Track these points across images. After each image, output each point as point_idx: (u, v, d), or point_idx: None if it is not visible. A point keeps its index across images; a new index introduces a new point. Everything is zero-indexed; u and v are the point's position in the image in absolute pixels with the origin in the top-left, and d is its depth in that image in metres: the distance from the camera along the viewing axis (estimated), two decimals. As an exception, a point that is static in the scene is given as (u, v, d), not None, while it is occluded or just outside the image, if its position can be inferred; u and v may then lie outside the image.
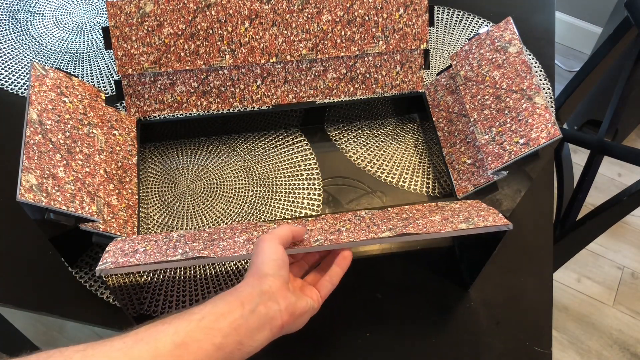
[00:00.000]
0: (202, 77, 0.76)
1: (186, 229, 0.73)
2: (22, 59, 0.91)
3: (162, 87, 0.76)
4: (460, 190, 0.72)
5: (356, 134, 0.84)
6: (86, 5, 1.00)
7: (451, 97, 0.77)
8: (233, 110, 0.80)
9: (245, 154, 0.81)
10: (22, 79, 0.88)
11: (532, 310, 0.69)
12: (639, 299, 1.48)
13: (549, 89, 0.92)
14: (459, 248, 0.72)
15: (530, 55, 0.96)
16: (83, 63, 0.91)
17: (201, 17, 0.73)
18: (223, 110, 0.80)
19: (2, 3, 0.99)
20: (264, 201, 0.76)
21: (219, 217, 0.74)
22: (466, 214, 0.60)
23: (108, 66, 0.91)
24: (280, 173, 0.79)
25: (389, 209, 0.65)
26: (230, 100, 0.78)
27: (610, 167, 1.72)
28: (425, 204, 0.66)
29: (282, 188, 0.77)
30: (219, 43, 0.74)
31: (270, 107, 0.79)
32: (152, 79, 0.75)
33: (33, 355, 0.42)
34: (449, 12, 1.02)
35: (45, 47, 0.93)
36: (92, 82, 0.89)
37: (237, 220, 0.74)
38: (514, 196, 0.78)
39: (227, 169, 0.79)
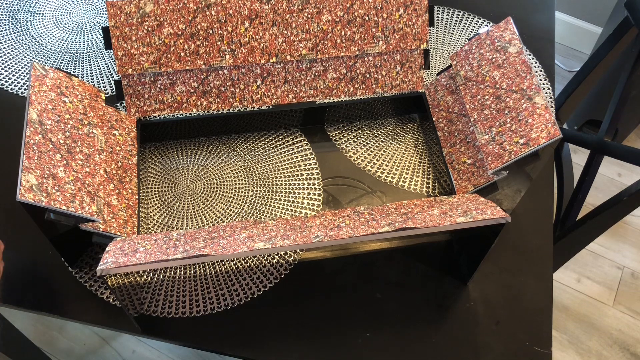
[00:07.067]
0: (202, 77, 0.76)
1: (186, 229, 0.73)
2: (22, 59, 0.91)
3: (162, 87, 0.76)
4: (460, 190, 0.72)
5: (356, 134, 0.84)
6: (86, 5, 1.00)
7: (451, 97, 0.77)
8: (233, 110, 0.80)
9: (245, 154, 0.81)
10: (22, 79, 0.88)
11: (532, 310, 0.69)
12: (639, 299, 1.48)
13: (549, 89, 0.92)
14: (457, 242, 0.72)
15: (530, 55, 0.96)
16: (83, 63, 0.91)
17: (201, 17, 0.73)
18: (223, 110, 0.80)
19: (2, 3, 0.99)
20: (264, 201, 0.76)
21: (219, 217, 0.74)
22: (464, 208, 0.60)
23: (108, 66, 0.91)
24: (280, 173, 0.79)
25: (387, 204, 0.65)
26: (230, 100, 0.78)
27: (610, 167, 1.72)
28: (423, 199, 0.66)
29: (282, 188, 0.77)
30: (219, 43, 0.74)
31: (270, 107, 0.79)
32: (152, 79, 0.75)
33: None
34: (449, 12, 1.02)
35: (45, 47, 0.93)
36: (92, 82, 0.89)
37: (237, 220, 0.74)
38: (514, 196, 0.78)
39: (227, 169, 0.79)
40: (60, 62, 0.91)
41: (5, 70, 0.89)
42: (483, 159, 0.70)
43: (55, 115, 0.64)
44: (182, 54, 0.74)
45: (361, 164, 0.80)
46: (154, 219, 0.74)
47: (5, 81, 0.88)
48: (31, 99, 0.62)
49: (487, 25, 1.00)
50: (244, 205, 0.75)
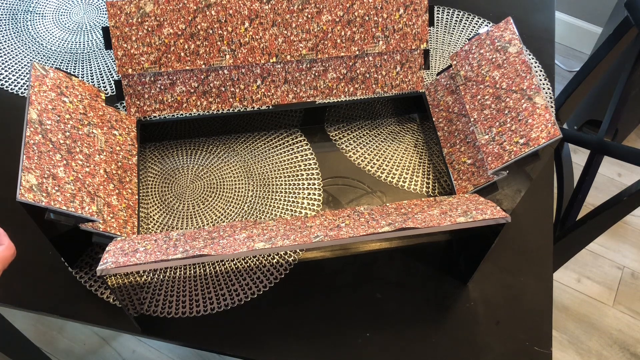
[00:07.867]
0: (202, 77, 0.76)
1: (186, 229, 0.73)
2: (22, 59, 0.91)
3: (162, 87, 0.76)
4: (460, 190, 0.72)
5: (356, 134, 0.84)
6: (86, 5, 1.00)
7: (451, 97, 0.77)
8: (233, 110, 0.80)
9: (245, 154, 0.81)
10: (22, 79, 0.88)
11: (532, 310, 0.69)
12: (639, 299, 1.48)
13: (549, 89, 0.92)
14: (457, 242, 0.72)
15: (530, 55, 0.96)
16: (83, 63, 0.91)
17: (201, 17, 0.73)
18: (223, 110, 0.80)
19: (2, 3, 0.99)
20: (264, 201, 0.76)
21: (219, 217, 0.74)
22: (464, 208, 0.60)
23: (108, 66, 0.91)
24: (280, 173, 0.79)
25: (387, 204, 0.65)
26: (230, 100, 0.78)
27: (610, 167, 1.72)
28: (423, 199, 0.66)
29: (282, 188, 0.77)
30: (219, 43, 0.74)
31: (270, 107, 0.79)
32: (152, 79, 0.75)
33: None
34: (449, 12, 1.02)
35: (45, 47, 0.93)
36: (92, 82, 0.89)
37: (237, 220, 0.74)
38: (514, 196, 0.78)
39: (227, 169, 0.79)
40: (60, 62, 0.91)
41: (5, 70, 0.89)
42: (483, 159, 0.70)
43: (55, 115, 0.64)
44: (182, 54, 0.74)
45: (361, 164, 0.80)
46: (154, 219, 0.74)
47: (5, 81, 0.88)
48: (31, 99, 0.62)
49: (487, 25, 1.00)
50: (244, 205, 0.75)
